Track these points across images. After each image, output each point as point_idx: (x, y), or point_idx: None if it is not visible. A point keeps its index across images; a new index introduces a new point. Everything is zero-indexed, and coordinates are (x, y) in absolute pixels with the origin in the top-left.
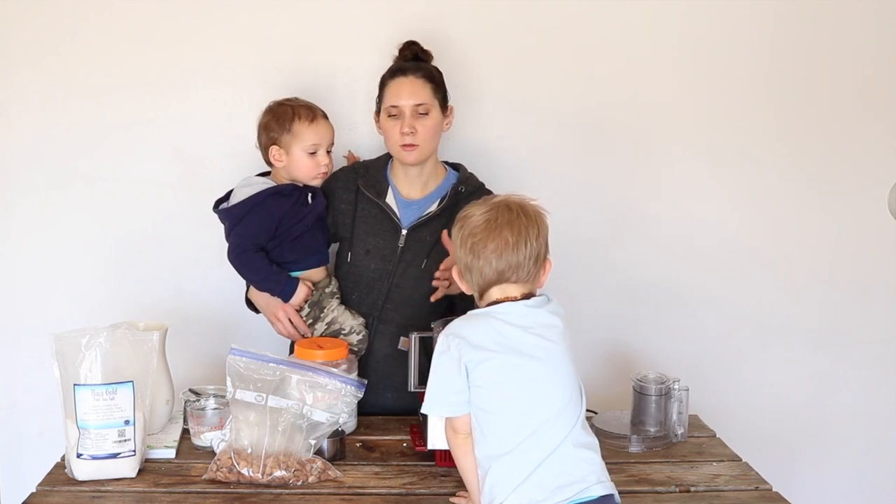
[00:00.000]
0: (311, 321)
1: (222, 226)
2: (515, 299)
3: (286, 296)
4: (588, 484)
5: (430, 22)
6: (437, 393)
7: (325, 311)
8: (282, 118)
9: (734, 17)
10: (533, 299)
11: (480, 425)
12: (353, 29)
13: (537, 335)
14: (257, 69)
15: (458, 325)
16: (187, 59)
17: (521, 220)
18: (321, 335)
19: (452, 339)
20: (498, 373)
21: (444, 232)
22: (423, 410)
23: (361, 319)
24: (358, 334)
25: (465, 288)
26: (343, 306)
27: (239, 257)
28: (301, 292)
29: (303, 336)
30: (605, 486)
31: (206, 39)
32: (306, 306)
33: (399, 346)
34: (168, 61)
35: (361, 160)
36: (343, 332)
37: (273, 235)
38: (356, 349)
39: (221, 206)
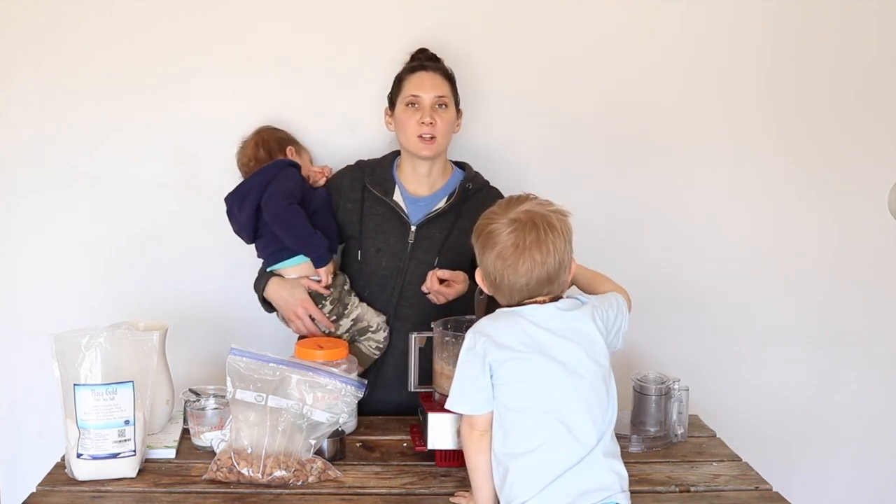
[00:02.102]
0: (334, 318)
1: (232, 215)
2: (544, 302)
3: (323, 259)
4: (612, 492)
5: (432, 22)
6: (460, 390)
7: (349, 307)
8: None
9: (735, 18)
10: (563, 302)
11: (504, 423)
12: (353, 29)
13: (565, 338)
14: (257, 69)
15: (486, 323)
16: (187, 59)
17: (549, 235)
18: (346, 332)
19: (479, 338)
20: (522, 372)
21: (433, 273)
22: (447, 406)
23: (383, 316)
24: (384, 331)
25: (486, 288)
26: (364, 303)
27: (288, 209)
28: (331, 264)
29: (324, 332)
30: (627, 496)
31: (206, 39)
32: (328, 303)
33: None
34: (168, 61)
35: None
36: (371, 329)
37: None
38: (382, 347)
39: (246, 179)
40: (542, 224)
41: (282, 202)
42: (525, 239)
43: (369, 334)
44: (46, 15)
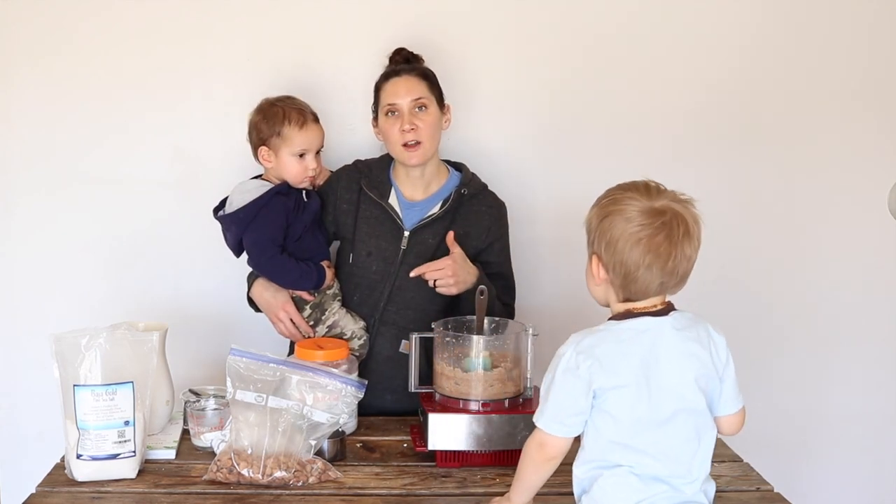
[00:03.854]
0: (311, 323)
1: (222, 231)
2: (655, 307)
3: (319, 285)
4: None
5: (430, 21)
6: (556, 410)
7: (327, 313)
8: (272, 120)
9: (735, 18)
10: (678, 318)
11: (604, 439)
12: (352, 30)
13: (676, 362)
14: (257, 69)
15: (592, 342)
16: (187, 60)
17: (695, 230)
18: (322, 337)
19: (584, 360)
20: (628, 404)
21: (451, 234)
22: (534, 420)
23: (362, 323)
24: (359, 339)
25: (606, 279)
26: (344, 309)
27: (270, 262)
28: (329, 274)
29: (304, 336)
30: None
31: (205, 40)
32: (308, 308)
33: (400, 350)
34: (168, 61)
35: (363, 160)
36: (344, 336)
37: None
38: (357, 354)
39: (226, 212)
40: (690, 220)
41: (263, 255)
42: (678, 231)
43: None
44: (46, 15)
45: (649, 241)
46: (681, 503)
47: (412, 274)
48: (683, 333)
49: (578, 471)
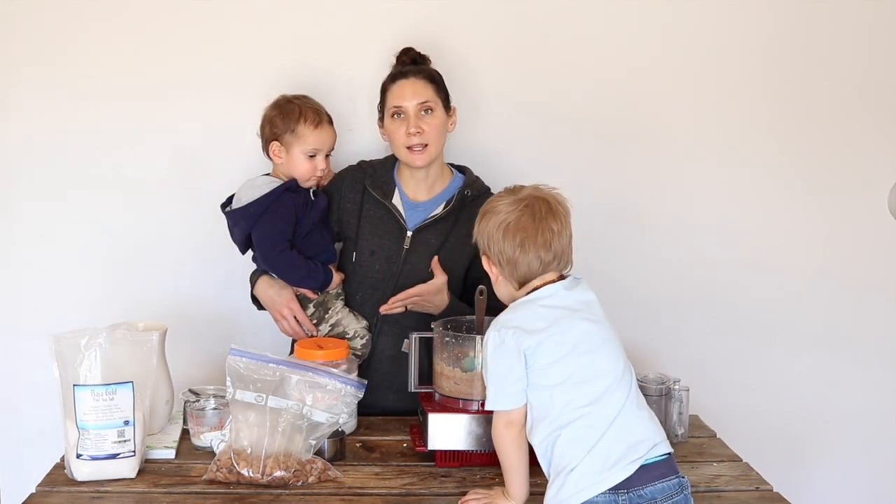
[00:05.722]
0: (315, 322)
1: (228, 227)
2: (554, 281)
3: (325, 285)
4: (655, 442)
5: (432, 21)
6: (498, 386)
7: (330, 312)
8: (288, 117)
9: (732, 17)
10: (566, 281)
11: (550, 399)
12: (354, 29)
13: (580, 311)
14: (257, 69)
15: (508, 317)
16: (188, 60)
17: (560, 209)
18: (325, 336)
19: (506, 331)
20: (555, 349)
21: (435, 259)
22: (486, 406)
23: (365, 323)
24: (362, 338)
25: (497, 271)
26: (347, 308)
27: (279, 256)
28: (336, 278)
29: (307, 334)
30: (667, 445)
31: (206, 40)
32: (311, 306)
33: (402, 349)
34: (168, 61)
35: (368, 160)
36: (347, 335)
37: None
38: (359, 353)
39: (235, 207)
40: (552, 200)
41: (273, 249)
42: (541, 210)
43: (347, 340)
44: (48, 16)
45: (516, 223)
46: (632, 443)
47: (382, 310)
48: (576, 290)
49: (541, 432)
